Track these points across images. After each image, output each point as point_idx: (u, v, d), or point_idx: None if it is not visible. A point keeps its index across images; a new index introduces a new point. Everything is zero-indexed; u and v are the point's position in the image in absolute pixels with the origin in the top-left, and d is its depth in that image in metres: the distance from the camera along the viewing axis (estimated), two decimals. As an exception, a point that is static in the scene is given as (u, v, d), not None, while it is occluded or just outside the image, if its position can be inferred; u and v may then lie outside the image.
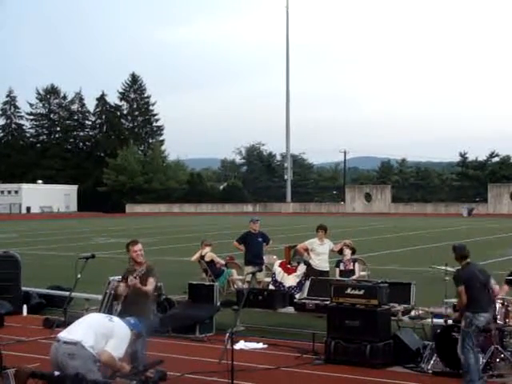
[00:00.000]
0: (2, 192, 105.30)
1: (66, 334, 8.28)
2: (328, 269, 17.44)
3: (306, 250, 17.45)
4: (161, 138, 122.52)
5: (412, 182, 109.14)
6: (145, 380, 8.13)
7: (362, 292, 11.91)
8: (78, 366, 7.90)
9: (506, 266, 23.64)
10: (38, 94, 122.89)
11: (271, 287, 16.67)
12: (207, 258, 19.29)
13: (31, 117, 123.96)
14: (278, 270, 17.25)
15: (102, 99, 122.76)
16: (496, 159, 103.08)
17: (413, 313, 13.10)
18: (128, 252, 10.78)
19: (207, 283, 16.26)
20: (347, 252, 17.32)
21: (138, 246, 10.70)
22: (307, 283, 15.41)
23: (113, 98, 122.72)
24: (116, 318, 8.66)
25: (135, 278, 10.28)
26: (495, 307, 11.10)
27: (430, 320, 12.46)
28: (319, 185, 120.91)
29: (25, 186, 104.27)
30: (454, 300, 12.34)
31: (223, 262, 19.59)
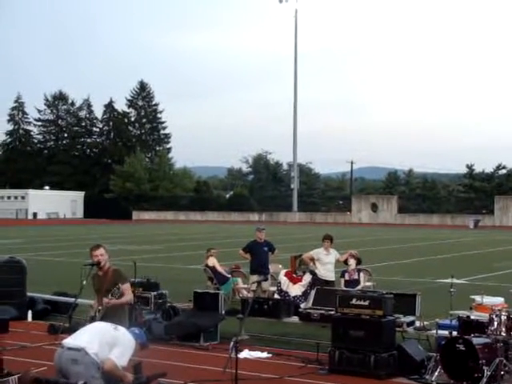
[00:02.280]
0: (9, 197, 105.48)
1: (70, 341, 8.29)
2: (334, 278, 17.44)
3: (312, 259, 17.45)
4: (168, 146, 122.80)
5: (418, 193, 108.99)
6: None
7: (367, 303, 11.89)
8: (81, 372, 7.90)
9: (511, 278, 23.61)
10: (46, 100, 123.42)
11: (276, 296, 16.64)
12: (210, 264, 19.31)
13: (39, 123, 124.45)
14: (283, 279, 17.23)
15: (109, 106, 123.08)
16: (503, 171, 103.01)
17: (417, 324, 13.08)
18: (90, 257, 10.66)
19: (212, 291, 16.25)
20: (352, 262, 17.31)
21: (99, 251, 10.56)
22: (312, 293, 15.40)
23: (121, 105, 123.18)
24: (121, 328, 8.65)
25: (110, 298, 10.21)
26: (500, 319, 11.08)
27: (434, 331, 12.44)
28: (326, 194, 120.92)
29: (32, 192, 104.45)
30: (461, 312, 12.33)
31: (222, 269, 19.47)
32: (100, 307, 10.36)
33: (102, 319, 9.67)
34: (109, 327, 8.60)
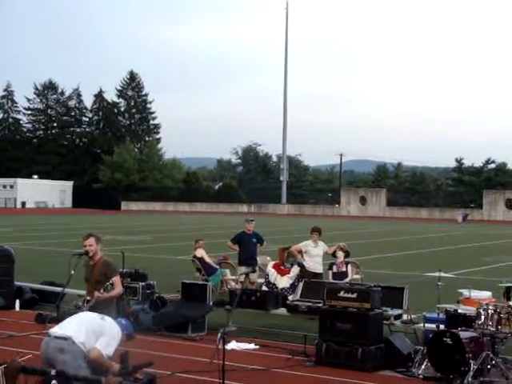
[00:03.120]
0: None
1: (57, 330, 8.27)
2: (321, 271, 17.46)
3: (300, 251, 17.46)
4: (157, 137, 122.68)
5: (407, 187, 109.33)
6: (134, 381, 8.10)
7: (354, 295, 11.91)
8: (67, 361, 7.88)
9: (499, 272, 23.72)
10: (36, 89, 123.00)
11: (264, 288, 16.66)
12: (198, 255, 19.28)
13: (28, 112, 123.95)
14: (271, 271, 17.24)
15: (99, 96, 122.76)
16: (492, 166, 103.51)
17: (405, 317, 13.11)
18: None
19: (200, 282, 16.24)
20: (340, 254, 17.33)
21: (89, 241, 10.51)
22: (300, 285, 15.41)
23: (110, 95, 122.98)
24: (108, 318, 8.64)
25: (101, 292, 10.21)
26: (487, 313, 11.11)
27: (422, 325, 12.47)
28: (315, 187, 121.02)
29: (20, 181, 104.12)
30: (448, 305, 12.36)
31: (210, 260, 19.42)
32: (88, 297, 10.35)
33: (91, 309, 9.67)
34: (95, 317, 8.59)
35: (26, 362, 7.74)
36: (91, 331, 8.21)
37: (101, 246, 10.64)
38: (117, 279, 10.48)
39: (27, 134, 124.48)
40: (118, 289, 10.47)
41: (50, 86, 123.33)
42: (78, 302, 10.44)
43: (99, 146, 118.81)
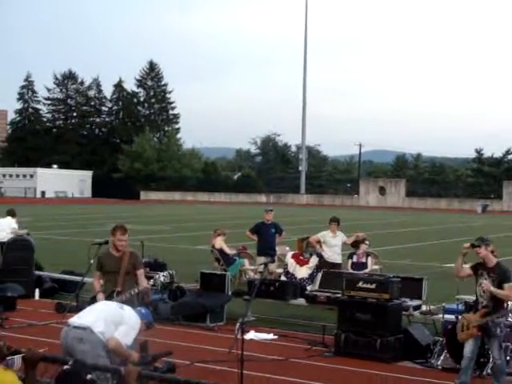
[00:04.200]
0: (18, 176, 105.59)
1: (76, 319, 8.30)
2: (340, 261, 17.45)
3: (319, 242, 17.46)
4: (176, 126, 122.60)
5: (427, 177, 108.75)
6: (154, 370, 8.13)
7: (373, 286, 11.91)
8: (87, 351, 7.91)
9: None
10: (56, 78, 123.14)
11: (283, 278, 16.67)
12: (217, 246, 19.30)
13: (48, 101, 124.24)
14: (290, 261, 17.24)
15: (119, 86, 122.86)
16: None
17: (424, 308, 13.08)
18: (113, 236, 10.51)
19: (219, 272, 16.28)
20: (364, 247, 17.32)
21: (125, 237, 10.46)
22: (319, 275, 15.42)
23: (130, 85, 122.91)
24: (127, 307, 8.66)
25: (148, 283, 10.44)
26: (507, 304, 11.06)
27: (441, 316, 12.44)
28: (333, 177, 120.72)
29: (40, 171, 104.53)
30: (467, 297, 12.31)
31: (231, 251, 19.47)
32: (117, 288, 10.31)
33: (125, 302, 9.64)
34: (114, 306, 8.62)
35: (47, 352, 7.78)
36: (110, 321, 8.23)
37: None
38: (143, 272, 10.56)
39: (47, 124, 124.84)
40: (146, 283, 10.57)
41: (70, 76, 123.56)
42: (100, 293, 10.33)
43: (118, 136, 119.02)
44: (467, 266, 10.26)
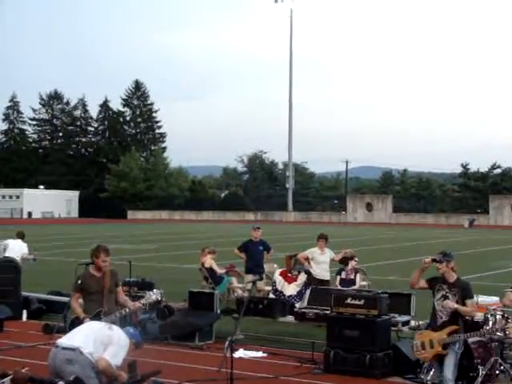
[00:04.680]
0: (4, 197, 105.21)
1: (65, 340, 8.27)
2: (329, 278, 17.45)
3: (307, 259, 17.46)
4: (163, 145, 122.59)
5: (413, 193, 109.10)
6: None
7: (362, 302, 11.90)
8: (76, 372, 7.89)
9: (506, 277, 23.65)
10: (42, 99, 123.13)
11: (271, 296, 16.66)
12: (207, 265, 19.27)
13: (34, 122, 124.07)
14: (278, 278, 17.24)
15: (104, 105, 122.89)
16: (498, 171, 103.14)
17: (413, 323, 13.08)
18: (96, 257, 10.42)
19: (207, 291, 16.24)
20: (353, 263, 17.34)
21: (109, 258, 10.42)
22: (307, 292, 15.41)
23: (116, 105, 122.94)
24: (115, 327, 8.64)
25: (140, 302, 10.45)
26: (495, 319, 11.09)
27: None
28: (321, 194, 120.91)
29: (26, 191, 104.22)
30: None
31: (221, 270, 19.44)
32: (103, 308, 10.25)
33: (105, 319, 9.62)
34: (103, 326, 8.59)
35: (31, 372, 7.74)
36: (99, 341, 8.20)
37: None
38: (121, 289, 10.67)
39: (33, 145, 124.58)
40: (126, 298, 10.69)
41: (56, 96, 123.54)
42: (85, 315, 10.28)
43: (105, 156, 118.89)
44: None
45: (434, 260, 10.00)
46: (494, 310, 11.37)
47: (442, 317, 9.81)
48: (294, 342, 14.16)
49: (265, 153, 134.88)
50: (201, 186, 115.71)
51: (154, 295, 10.61)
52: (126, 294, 13.16)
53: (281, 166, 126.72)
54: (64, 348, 8.11)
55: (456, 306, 9.70)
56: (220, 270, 19.30)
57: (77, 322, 9.73)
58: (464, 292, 9.78)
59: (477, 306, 12.87)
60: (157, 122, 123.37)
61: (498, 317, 11.12)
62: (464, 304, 9.76)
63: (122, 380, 8.15)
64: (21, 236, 20.12)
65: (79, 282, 10.50)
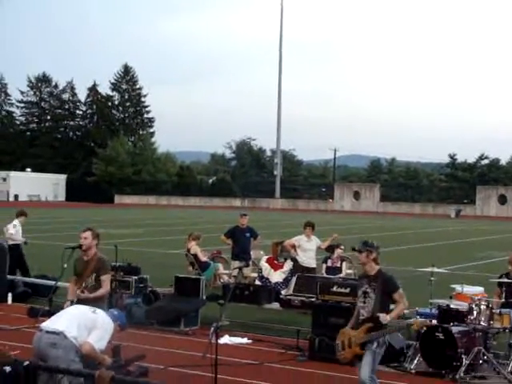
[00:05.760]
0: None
1: (49, 324, 8.24)
2: (315, 265, 17.48)
3: (293, 246, 17.47)
4: (151, 130, 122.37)
5: (401, 182, 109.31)
6: (126, 374, 8.10)
7: (347, 290, 11.94)
8: (60, 356, 7.86)
9: (491, 267, 23.75)
10: (30, 81, 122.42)
11: (257, 283, 16.67)
12: (192, 251, 19.21)
13: (21, 104, 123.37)
14: (264, 265, 17.26)
15: (93, 89, 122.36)
16: (485, 161, 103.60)
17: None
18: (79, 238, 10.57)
19: (193, 276, 16.23)
20: (339, 251, 17.40)
21: (85, 234, 10.46)
22: (293, 279, 15.43)
23: (104, 89, 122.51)
24: (99, 310, 8.61)
25: (82, 291, 10.21)
26: (479, 309, 11.14)
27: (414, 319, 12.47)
28: (308, 181, 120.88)
29: (13, 174, 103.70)
30: (441, 301, 12.37)
31: (205, 258, 19.32)
32: (79, 291, 10.30)
33: (79, 303, 9.63)
34: (87, 310, 8.56)
35: (17, 356, 7.72)
36: (83, 325, 8.18)
37: (96, 243, 10.57)
38: (106, 278, 10.45)
39: (20, 127, 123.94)
40: (105, 289, 10.45)
41: (44, 79, 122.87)
42: (69, 298, 10.32)
43: (93, 140, 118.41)
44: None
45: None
46: (478, 300, 11.42)
47: (364, 314, 8.99)
48: (279, 328, 14.19)
49: (253, 139, 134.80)
50: (189, 171, 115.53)
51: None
52: (113, 278, 13.11)
53: (269, 153, 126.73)
54: (48, 332, 8.08)
55: (388, 317, 8.83)
56: (204, 258, 19.17)
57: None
58: (386, 286, 8.89)
59: (462, 295, 12.98)
60: (145, 106, 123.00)
61: (482, 307, 11.17)
62: (389, 298, 8.93)
63: (106, 364, 8.14)
64: (20, 214, 20.19)
65: (74, 264, 10.58)
